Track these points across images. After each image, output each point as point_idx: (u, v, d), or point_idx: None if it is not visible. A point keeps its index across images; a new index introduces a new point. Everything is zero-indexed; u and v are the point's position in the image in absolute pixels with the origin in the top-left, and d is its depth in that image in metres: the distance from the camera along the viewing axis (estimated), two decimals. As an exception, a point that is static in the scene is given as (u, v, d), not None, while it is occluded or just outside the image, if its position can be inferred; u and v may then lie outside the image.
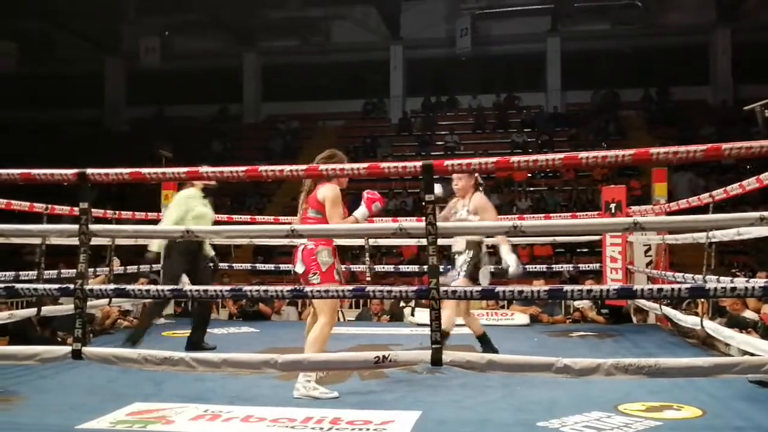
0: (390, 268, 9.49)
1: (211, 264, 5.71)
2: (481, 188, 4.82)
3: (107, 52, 21.29)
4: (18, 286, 3.45)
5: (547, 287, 2.93)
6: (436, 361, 2.93)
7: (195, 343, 5.39)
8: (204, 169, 3.10)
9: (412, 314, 7.39)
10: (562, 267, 9.67)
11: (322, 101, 20.38)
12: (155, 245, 5.65)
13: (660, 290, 2.82)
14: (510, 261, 4.37)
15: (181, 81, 20.30)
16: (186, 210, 5.39)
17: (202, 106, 20.69)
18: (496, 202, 15.25)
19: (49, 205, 5.70)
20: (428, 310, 7.28)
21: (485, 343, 4.85)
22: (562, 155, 2.87)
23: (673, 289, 2.84)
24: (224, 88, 20.89)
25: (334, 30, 20.40)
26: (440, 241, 3.01)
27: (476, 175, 4.69)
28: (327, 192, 3.84)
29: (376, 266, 8.64)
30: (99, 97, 21.72)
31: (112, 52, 21.29)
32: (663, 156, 2.81)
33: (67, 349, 3.21)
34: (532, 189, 15.89)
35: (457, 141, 17.98)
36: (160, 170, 3.21)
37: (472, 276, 4.62)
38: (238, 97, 21.20)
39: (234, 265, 8.49)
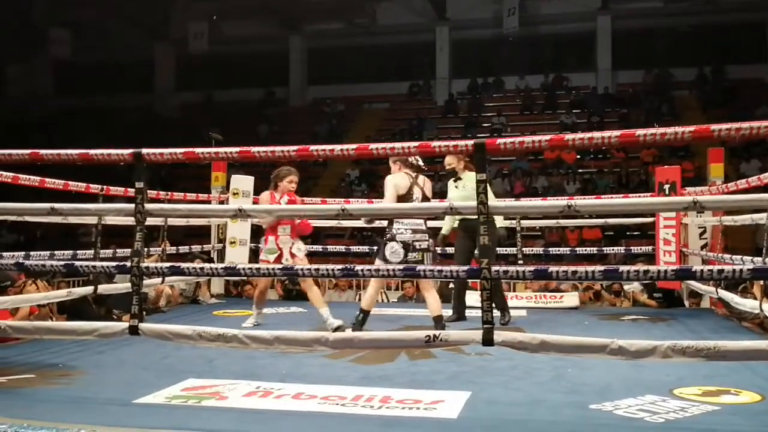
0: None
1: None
2: (404, 168, 5.03)
3: (157, 38, 21.63)
4: (77, 263, 3.54)
5: (602, 267, 2.86)
6: (488, 341, 2.90)
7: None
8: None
9: (460, 296, 7.35)
10: (612, 250, 9.51)
11: (367, 84, 20.36)
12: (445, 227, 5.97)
13: (720, 271, 2.73)
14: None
15: (228, 65, 20.53)
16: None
17: (250, 90, 20.90)
18: (545, 184, 15.08)
19: (104, 186, 5.83)
20: (477, 292, 7.30)
21: (358, 322, 5.15)
22: (618, 132, 2.79)
23: (734, 271, 2.75)
24: (271, 72, 21.04)
25: (379, 12, 20.32)
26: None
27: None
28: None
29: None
30: (149, 82, 22.12)
31: (161, 38, 21.62)
32: (725, 133, 2.71)
33: (125, 325, 3.29)
34: (580, 171, 15.64)
35: (504, 123, 17.77)
36: (213, 150, 3.25)
37: (383, 256, 4.90)
38: (285, 81, 21.33)
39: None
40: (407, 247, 4.89)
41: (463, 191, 5.58)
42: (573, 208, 2.91)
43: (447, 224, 5.96)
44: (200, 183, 8.99)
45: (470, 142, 2.99)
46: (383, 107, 20.23)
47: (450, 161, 5.65)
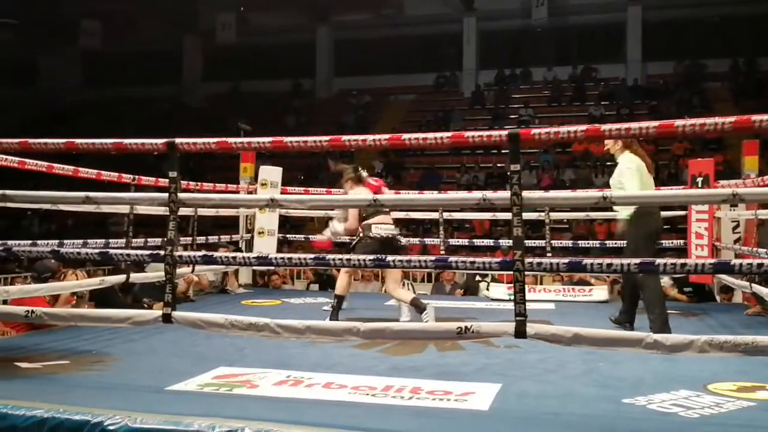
0: (462, 242, 9.44)
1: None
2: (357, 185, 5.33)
3: (185, 29, 21.77)
4: (111, 251, 3.58)
5: (638, 260, 2.82)
6: (520, 333, 2.87)
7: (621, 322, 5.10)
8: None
9: (487, 289, 7.34)
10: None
11: (393, 75, 20.31)
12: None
13: (760, 265, 2.68)
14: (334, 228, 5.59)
15: (255, 56, 20.60)
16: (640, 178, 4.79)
17: (277, 82, 20.96)
18: (572, 176, 14.92)
19: (136, 176, 5.89)
20: (503, 285, 7.26)
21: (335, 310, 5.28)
22: (656, 123, 2.74)
23: (774, 264, 2.70)
24: (297, 63, 21.08)
25: (406, 2, 20.23)
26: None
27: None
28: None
29: (449, 240, 8.61)
30: (177, 73, 22.29)
31: (189, 29, 21.75)
32: (766, 124, 2.65)
33: (157, 313, 3.32)
34: (609, 163, 15.43)
35: (532, 114, 17.61)
36: (245, 140, 3.25)
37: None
38: (311, 72, 21.35)
39: (310, 236, 8.60)
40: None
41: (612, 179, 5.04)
42: (608, 199, 2.87)
43: (622, 214, 5.05)
44: (228, 174, 9.05)
45: (504, 132, 2.96)
46: (409, 99, 20.16)
47: (608, 144, 5.02)
